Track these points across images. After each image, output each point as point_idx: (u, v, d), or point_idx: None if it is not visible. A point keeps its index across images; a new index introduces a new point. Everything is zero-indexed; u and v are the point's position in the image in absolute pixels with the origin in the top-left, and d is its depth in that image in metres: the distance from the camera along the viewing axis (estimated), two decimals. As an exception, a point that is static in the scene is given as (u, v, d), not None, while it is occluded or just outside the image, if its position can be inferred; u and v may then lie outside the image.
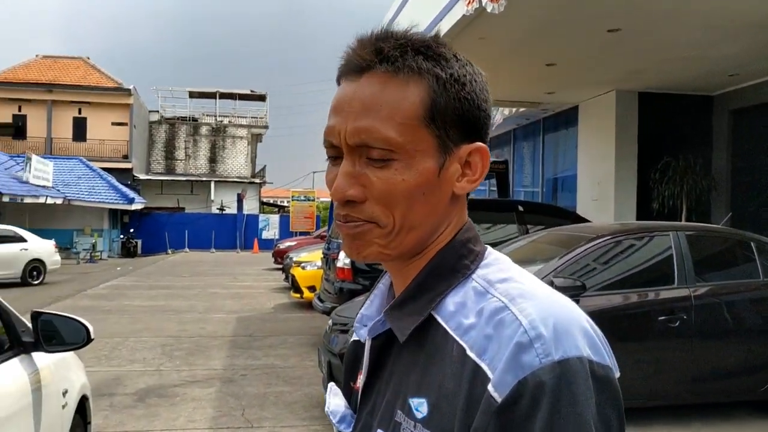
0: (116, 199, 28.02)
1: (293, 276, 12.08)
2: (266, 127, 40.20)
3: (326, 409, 0.96)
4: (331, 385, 0.99)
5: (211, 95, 40.13)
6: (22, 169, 24.08)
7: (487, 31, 8.32)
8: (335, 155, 0.82)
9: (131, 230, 30.88)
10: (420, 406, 0.75)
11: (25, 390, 2.55)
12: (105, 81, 34.21)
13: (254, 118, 40.34)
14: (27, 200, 22.70)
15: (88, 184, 28.22)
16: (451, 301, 0.79)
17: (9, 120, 32.91)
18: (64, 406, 2.95)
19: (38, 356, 2.75)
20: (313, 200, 34.36)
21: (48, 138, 32.85)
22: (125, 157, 33.37)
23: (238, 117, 39.98)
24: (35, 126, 32.98)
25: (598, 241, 5.45)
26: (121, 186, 29.12)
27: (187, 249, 31.80)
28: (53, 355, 2.89)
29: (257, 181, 38.95)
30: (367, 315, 0.91)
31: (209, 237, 32.53)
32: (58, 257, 17.65)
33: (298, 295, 11.77)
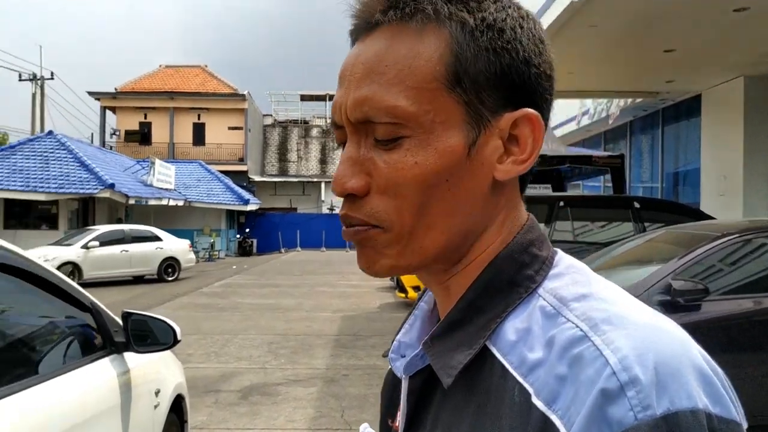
0: (232, 201, 29.19)
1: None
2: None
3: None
4: (364, 427, 0.81)
5: (321, 98, 41.07)
6: (147, 173, 25.58)
7: (599, 18, 7.85)
8: (342, 140, 0.65)
9: (247, 230, 32.11)
10: None
11: (114, 389, 2.55)
12: (222, 87, 35.81)
13: (363, 118, 40.83)
14: (151, 202, 24.11)
15: (206, 186, 29.59)
16: (512, 327, 0.59)
17: (136, 127, 35.17)
18: (156, 406, 2.96)
19: (129, 356, 2.76)
20: (421, 199, 34.39)
21: (170, 143, 34.78)
22: (241, 160, 34.76)
23: (347, 118, 40.65)
24: (159, 132, 35.02)
25: (723, 239, 4.95)
26: (237, 188, 30.31)
27: (299, 248, 32.69)
28: (146, 355, 2.89)
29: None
30: (405, 343, 0.71)
31: (320, 236, 33.27)
32: (192, 256, 18.83)
33: (403, 295, 11.69)
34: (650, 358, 0.50)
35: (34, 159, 21.87)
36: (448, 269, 0.65)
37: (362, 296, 13.84)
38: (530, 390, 0.54)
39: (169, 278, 17.65)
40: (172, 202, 25.94)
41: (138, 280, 17.50)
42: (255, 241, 32.31)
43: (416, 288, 11.01)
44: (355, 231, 0.63)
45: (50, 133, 24.02)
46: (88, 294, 2.70)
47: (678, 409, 0.48)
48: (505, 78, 0.60)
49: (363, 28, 0.64)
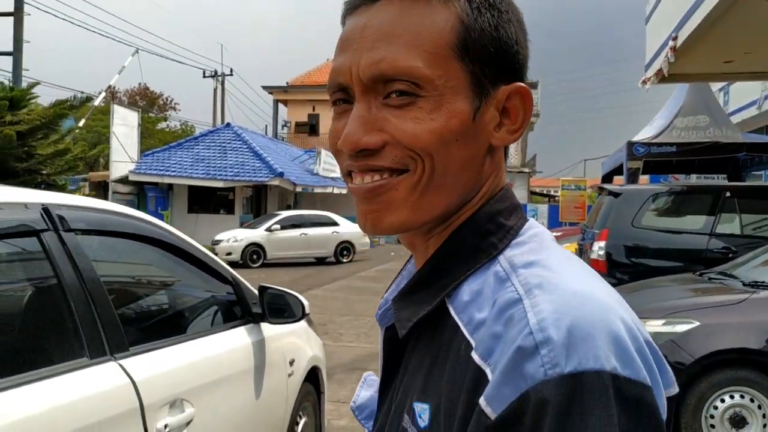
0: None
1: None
2: (537, 115, 39.69)
3: (352, 404, 0.87)
4: (367, 374, 0.89)
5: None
6: (314, 162, 26.97)
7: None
8: (342, 98, 0.69)
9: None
10: (423, 413, 0.64)
11: (249, 354, 2.82)
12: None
13: (525, 107, 40.07)
14: (317, 190, 25.45)
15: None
16: (468, 289, 0.65)
17: (305, 119, 37.13)
18: (290, 375, 3.21)
19: (266, 327, 3.03)
20: (585, 189, 33.06)
21: (336, 134, 36.33)
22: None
23: (508, 107, 40.12)
24: (327, 123, 36.52)
25: None
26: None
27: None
28: (282, 327, 3.16)
29: (526, 170, 38.68)
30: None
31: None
32: (366, 240, 20.03)
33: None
34: (566, 322, 0.55)
35: (214, 149, 23.91)
36: (433, 229, 0.71)
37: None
38: (473, 345, 0.60)
39: (345, 260, 18.92)
40: (336, 190, 27.15)
41: (320, 261, 18.84)
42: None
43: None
44: (375, 186, 0.67)
45: (228, 125, 26.13)
46: (230, 269, 3.00)
47: (584, 369, 0.53)
48: (501, 53, 0.67)
49: (366, 1, 0.68)
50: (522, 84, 0.68)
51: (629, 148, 11.19)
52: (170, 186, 23.75)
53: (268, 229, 18.04)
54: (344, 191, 27.84)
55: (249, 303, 2.97)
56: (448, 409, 0.60)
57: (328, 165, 27.40)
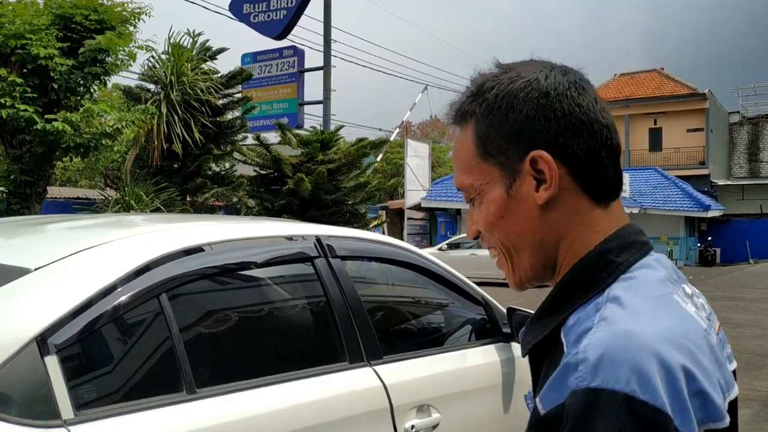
0: (691, 207, 27.57)
1: None
2: None
3: (526, 393, 1.05)
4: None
5: (801, 86, 35.55)
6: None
7: None
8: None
9: (709, 238, 29.85)
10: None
11: (498, 371, 3.02)
12: (679, 89, 34.09)
13: None
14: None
15: (663, 192, 28.57)
16: (575, 316, 0.79)
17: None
18: (542, 393, 3.33)
19: (516, 346, 3.20)
20: None
21: (626, 150, 34.56)
22: (701, 164, 32.51)
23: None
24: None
25: None
26: (696, 193, 28.50)
27: (772, 259, 28.92)
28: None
29: None
30: None
31: (799, 246, 28.80)
32: None
33: None
34: (601, 349, 0.70)
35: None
36: (553, 276, 0.88)
37: (842, 317, 11.71)
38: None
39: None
40: (626, 210, 25.50)
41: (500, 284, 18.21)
42: (718, 250, 29.76)
43: None
44: (495, 259, 0.93)
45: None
46: (482, 291, 3.25)
47: (605, 387, 0.68)
48: (516, 138, 0.84)
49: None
50: (536, 150, 0.82)
51: None
52: (458, 211, 24.97)
53: (440, 249, 18.94)
54: (635, 210, 26.40)
55: (499, 323, 3.18)
56: None
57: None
